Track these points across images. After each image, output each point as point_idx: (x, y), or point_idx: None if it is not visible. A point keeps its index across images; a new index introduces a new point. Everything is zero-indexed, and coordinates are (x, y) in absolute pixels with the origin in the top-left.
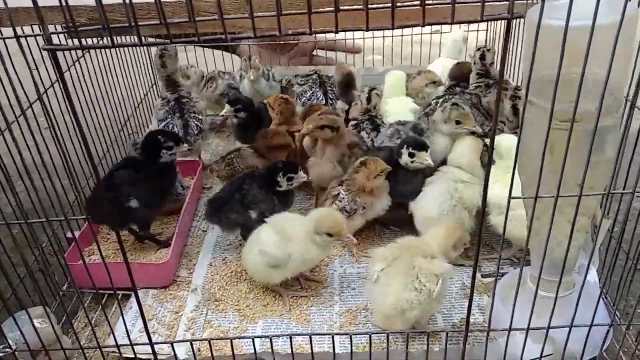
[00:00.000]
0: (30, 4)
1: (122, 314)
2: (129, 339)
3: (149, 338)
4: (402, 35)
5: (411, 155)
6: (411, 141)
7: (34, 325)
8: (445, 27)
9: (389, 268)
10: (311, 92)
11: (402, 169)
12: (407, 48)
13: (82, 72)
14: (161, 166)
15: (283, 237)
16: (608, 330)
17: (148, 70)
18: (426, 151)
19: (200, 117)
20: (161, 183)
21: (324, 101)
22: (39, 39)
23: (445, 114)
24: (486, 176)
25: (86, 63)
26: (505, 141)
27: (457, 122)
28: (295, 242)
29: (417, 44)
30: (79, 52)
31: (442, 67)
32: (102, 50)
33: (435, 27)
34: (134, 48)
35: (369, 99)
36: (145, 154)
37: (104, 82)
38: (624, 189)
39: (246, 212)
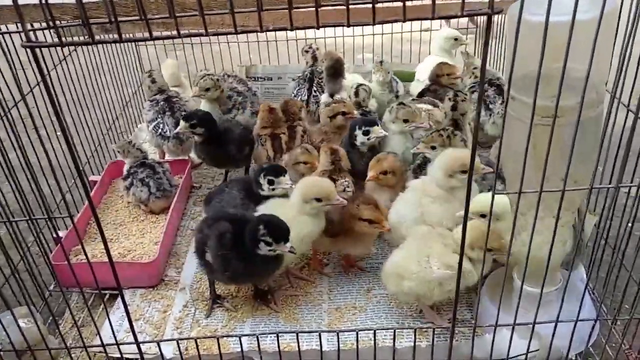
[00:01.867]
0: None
1: (107, 314)
2: (115, 339)
3: (135, 337)
4: (392, 33)
5: (366, 132)
6: (361, 122)
7: (18, 325)
8: (436, 25)
9: (414, 240)
10: (298, 88)
11: (356, 151)
12: (397, 46)
13: (70, 72)
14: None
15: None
16: (594, 325)
17: (136, 69)
18: (378, 125)
19: None
20: None
21: (306, 97)
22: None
23: (392, 114)
24: (467, 195)
25: (73, 62)
26: (502, 201)
27: (405, 121)
28: (290, 224)
29: (408, 41)
30: (66, 52)
31: (430, 66)
32: (90, 49)
33: (425, 25)
34: (123, 47)
35: (356, 94)
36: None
37: (92, 81)
38: (609, 184)
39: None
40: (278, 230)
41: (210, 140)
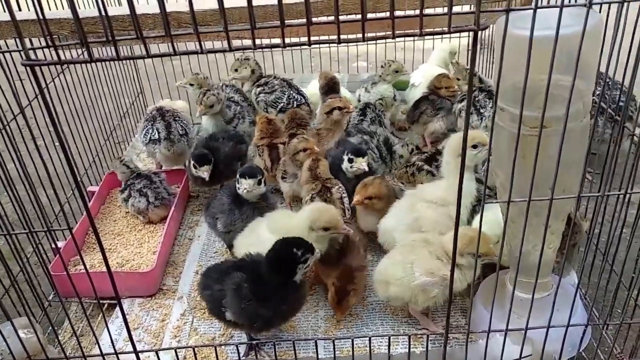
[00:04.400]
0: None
1: (106, 324)
2: (114, 348)
3: (134, 346)
4: (385, 42)
5: (350, 160)
6: (350, 148)
7: (18, 336)
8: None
9: (401, 246)
10: (286, 96)
11: (342, 173)
12: (391, 54)
13: (67, 84)
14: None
15: (280, 235)
16: (585, 330)
17: (134, 80)
18: (363, 157)
19: (185, 122)
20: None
21: (303, 100)
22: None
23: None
24: (458, 197)
25: (70, 74)
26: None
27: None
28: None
29: (402, 50)
30: (64, 64)
31: (423, 74)
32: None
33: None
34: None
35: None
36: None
37: (89, 93)
38: (598, 192)
39: (215, 220)
40: (308, 244)
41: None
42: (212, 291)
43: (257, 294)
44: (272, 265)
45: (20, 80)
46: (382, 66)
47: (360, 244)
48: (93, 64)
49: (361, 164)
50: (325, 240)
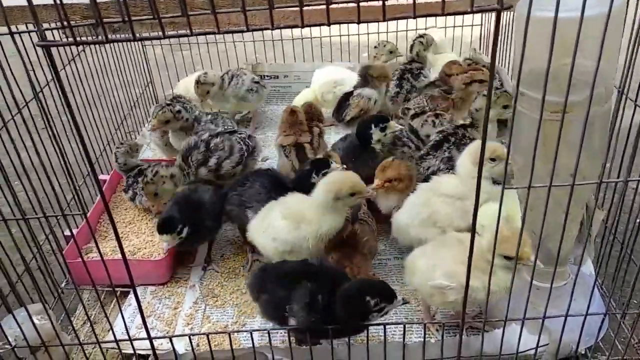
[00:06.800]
0: (24, 2)
1: (120, 311)
2: (128, 335)
3: (148, 333)
4: (396, 31)
5: (382, 129)
6: (375, 119)
7: (33, 322)
8: (440, 23)
9: (436, 241)
10: None
11: (368, 154)
12: (402, 44)
13: (79, 72)
14: None
15: (293, 220)
16: (603, 320)
17: (144, 71)
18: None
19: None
20: None
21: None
22: (35, 38)
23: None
24: (477, 190)
25: (82, 63)
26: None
27: (505, 107)
28: (307, 221)
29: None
30: (75, 51)
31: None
32: (99, 49)
33: (430, 23)
34: (130, 47)
35: (411, 48)
36: None
37: (100, 81)
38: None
39: (243, 210)
40: (386, 292)
41: None
42: (273, 297)
43: (327, 309)
44: (345, 308)
45: (33, 69)
46: (375, 46)
47: (366, 244)
48: (105, 54)
49: (395, 126)
50: (344, 211)
